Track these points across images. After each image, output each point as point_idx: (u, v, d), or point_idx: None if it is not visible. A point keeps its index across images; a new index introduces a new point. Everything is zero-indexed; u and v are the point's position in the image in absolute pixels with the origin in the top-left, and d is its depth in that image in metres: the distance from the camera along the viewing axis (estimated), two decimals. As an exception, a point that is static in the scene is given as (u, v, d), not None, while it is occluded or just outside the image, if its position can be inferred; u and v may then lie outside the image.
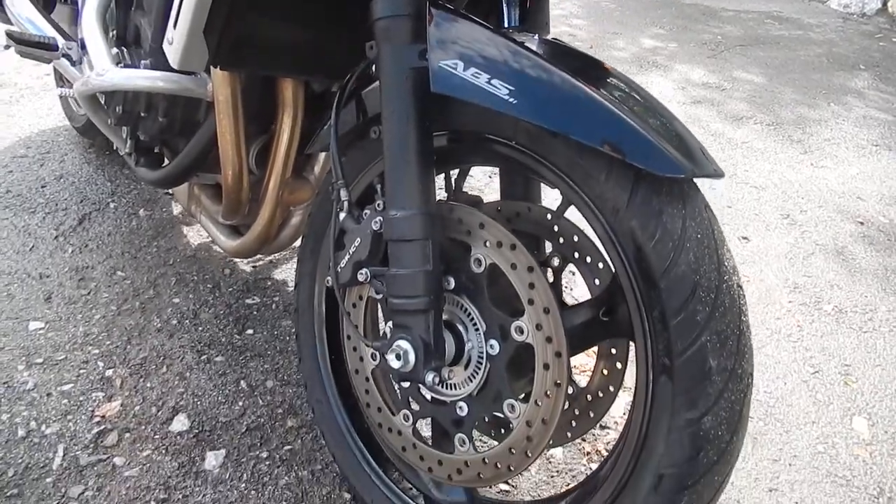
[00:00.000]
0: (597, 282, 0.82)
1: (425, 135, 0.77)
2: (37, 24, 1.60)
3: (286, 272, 1.59)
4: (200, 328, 1.38)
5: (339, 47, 0.98)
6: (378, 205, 0.83)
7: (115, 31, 1.19)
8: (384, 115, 0.78)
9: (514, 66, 0.70)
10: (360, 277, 0.85)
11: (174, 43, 0.90)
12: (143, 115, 1.15)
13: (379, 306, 1.00)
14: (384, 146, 0.78)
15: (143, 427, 1.14)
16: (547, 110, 0.68)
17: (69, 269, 1.52)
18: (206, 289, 1.50)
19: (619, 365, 0.86)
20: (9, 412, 1.13)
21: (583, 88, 0.68)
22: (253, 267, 1.60)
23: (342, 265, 0.86)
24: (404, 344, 0.78)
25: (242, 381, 1.25)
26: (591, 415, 0.89)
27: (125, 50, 1.14)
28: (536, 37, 0.83)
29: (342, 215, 0.86)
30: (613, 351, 0.86)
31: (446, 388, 0.84)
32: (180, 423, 1.15)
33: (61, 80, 2.11)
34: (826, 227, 1.98)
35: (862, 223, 2.01)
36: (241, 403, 1.21)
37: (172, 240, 1.68)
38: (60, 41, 1.51)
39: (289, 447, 1.13)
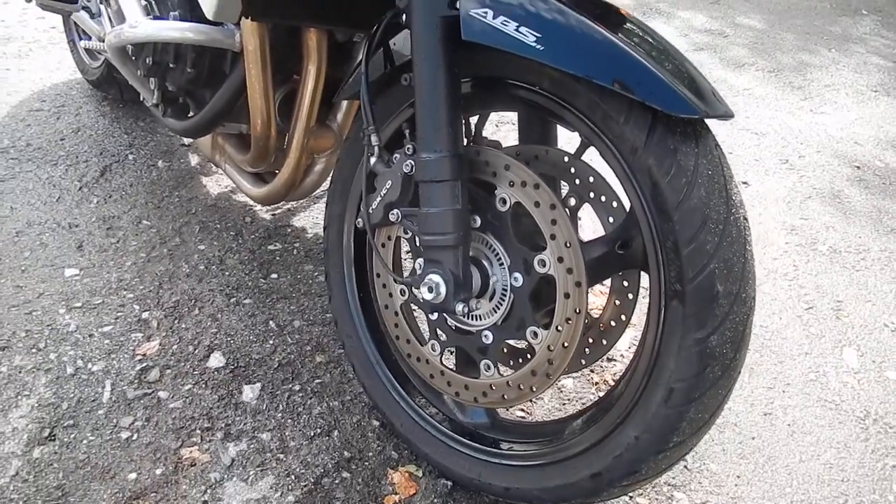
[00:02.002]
0: (611, 219, 0.88)
1: (455, 81, 0.83)
2: (53, -24, 1.61)
3: (304, 219, 1.65)
4: (227, 273, 1.45)
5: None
6: (408, 149, 0.89)
7: None
8: (415, 63, 0.83)
9: (542, 14, 0.75)
10: (392, 217, 0.91)
11: (209, -2, 0.94)
12: (171, 66, 1.19)
13: (407, 245, 1.06)
14: (416, 93, 0.83)
15: (182, 364, 1.21)
16: (573, 57, 0.73)
17: (97, 219, 1.58)
18: (229, 236, 1.56)
19: (630, 296, 0.93)
20: (56, 352, 1.21)
21: (607, 36, 0.73)
22: (272, 214, 1.66)
23: (374, 207, 0.93)
24: (436, 277, 0.85)
25: (271, 322, 1.33)
26: (604, 343, 0.97)
27: (153, 2, 1.17)
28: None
29: (373, 160, 0.92)
30: (625, 283, 0.93)
31: (473, 318, 0.91)
32: (216, 360, 1.23)
33: (74, 32, 2.13)
34: (823, 171, 2.04)
35: (858, 167, 2.07)
36: (271, 342, 1.28)
37: (193, 189, 1.73)
38: (77, -6, 1.54)
39: (319, 381, 1.21)
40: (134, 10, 1.13)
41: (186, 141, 1.95)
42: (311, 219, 1.66)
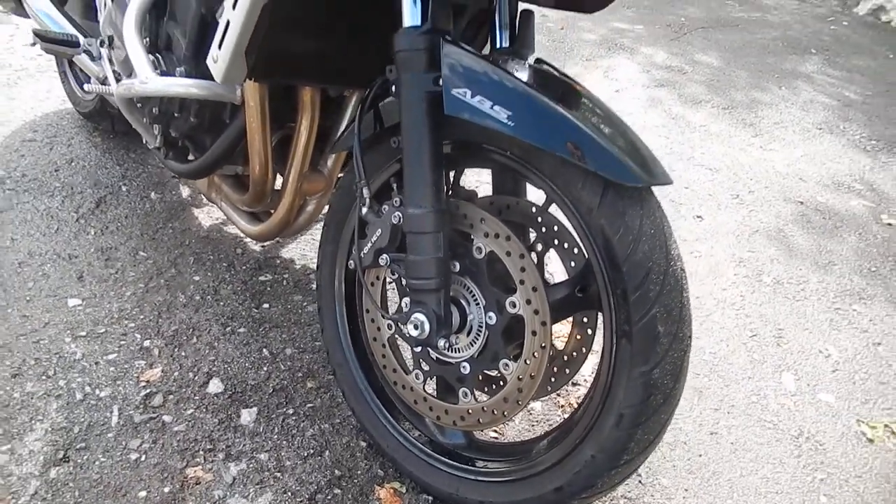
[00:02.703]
0: (572, 264, 1.02)
1: (438, 147, 0.96)
2: (55, 20, 1.72)
3: (292, 251, 1.76)
4: (222, 303, 1.55)
5: (354, 62, 1.15)
6: (395, 201, 1.02)
7: (147, 39, 1.33)
8: (404, 129, 0.96)
9: (512, 96, 0.88)
10: (381, 262, 1.04)
11: (218, 61, 1.06)
12: (175, 115, 1.30)
13: (394, 285, 1.19)
14: (403, 155, 0.96)
15: (184, 390, 1.32)
16: (539, 132, 0.87)
17: (95, 250, 1.67)
18: (222, 267, 1.67)
19: (589, 331, 1.07)
20: (65, 378, 1.31)
21: (567, 115, 0.86)
22: (262, 247, 1.77)
23: (365, 251, 1.05)
24: (420, 316, 0.97)
25: (265, 349, 1.44)
26: (567, 371, 1.10)
27: (160, 57, 1.28)
28: (526, 63, 1.01)
29: (364, 209, 1.05)
30: (585, 320, 1.07)
31: (453, 351, 1.04)
32: (215, 386, 1.34)
33: (69, 72, 2.21)
34: (770, 206, 2.22)
35: (802, 203, 2.25)
36: (265, 368, 1.39)
37: (185, 222, 1.83)
38: (81, 38, 1.65)
39: (311, 405, 1.32)
40: (143, 65, 1.24)
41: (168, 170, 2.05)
42: (299, 251, 1.77)
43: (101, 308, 1.49)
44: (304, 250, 1.77)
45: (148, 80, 1.21)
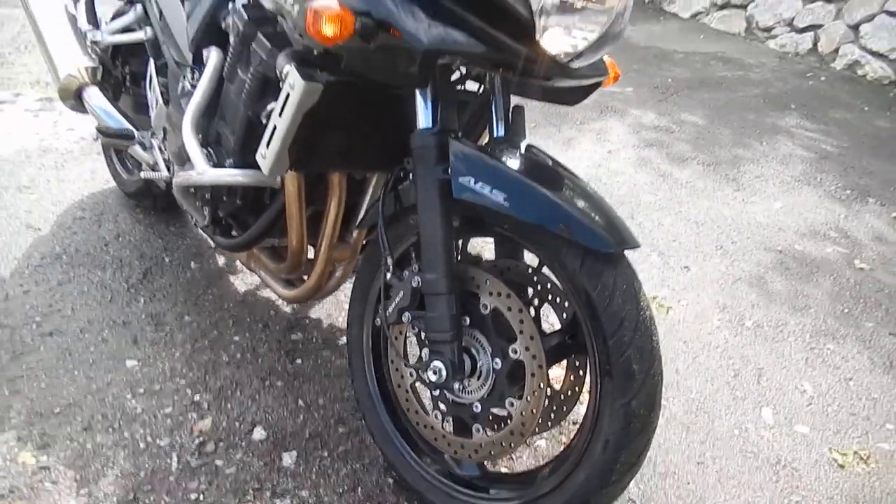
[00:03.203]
0: (564, 315, 1.22)
1: (449, 223, 1.17)
2: (111, 115, 1.96)
3: (319, 312, 1.97)
4: (260, 360, 1.75)
5: (377, 151, 1.38)
6: (414, 268, 1.23)
7: (200, 136, 1.56)
8: (420, 209, 1.17)
9: (506, 181, 1.10)
10: (404, 319, 1.25)
11: (266, 157, 1.28)
12: (224, 198, 1.53)
13: (414, 339, 1.38)
14: (420, 231, 1.18)
15: (232, 437, 1.51)
16: (529, 211, 1.08)
17: (146, 316, 1.89)
18: (258, 328, 1.88)
19: (581, 373, 1.26)
20: (129, 430, 1.50)
21: (552, 196, 1.07)
22: (292, 308, 1.98)
23: (390, 310, 1.26)
24: (438, 363, 1.17)
25: (300, 400, 1.63)
26: (564, 409, 1.29)
27: (211, 150, 1.51)
28: (518, 151, 1.23)
29: (388, 275, 1.26)
30: (577, 363, 1.26)
31: (466, 393, 1.23)
32: (259, 433, 1.53)
33: (109, 149, 2.47)
34: (751, 255, 2.42)
35: (780, 251, 2.46)
36: (301, 417, 1.58)
37: (223, 288, 2.05)
38: (135, 132, 1.90)
39: (343, 447, 1.51)
40: (199, 159, 1.46)
41: (213, 244, 2.28)
42: (325, 312, 1.97)
43: (155, 367, 1.70)
44: (329, 311, 1.98)
45: (204, 172, 1.43)
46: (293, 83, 1.18)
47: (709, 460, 1.55)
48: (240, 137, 1.44)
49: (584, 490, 1.12)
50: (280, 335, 1.86)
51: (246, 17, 1.36)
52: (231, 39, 1.48)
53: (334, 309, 1.99)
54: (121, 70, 2.08)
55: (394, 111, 1.28)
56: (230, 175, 1.44)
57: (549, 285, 1.22)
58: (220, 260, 2.19)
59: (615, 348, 1.06)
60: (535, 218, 1.08)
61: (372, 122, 1.32)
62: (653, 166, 3.07)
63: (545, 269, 1.23)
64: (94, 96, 1.97)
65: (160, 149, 1.87)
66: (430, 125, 1.17)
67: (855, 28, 4.50)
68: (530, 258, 1.27)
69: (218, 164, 1.49)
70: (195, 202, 1.60)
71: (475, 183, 1.11)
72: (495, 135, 1.29)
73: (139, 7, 1.93)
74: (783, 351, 1.94)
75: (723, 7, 5.52)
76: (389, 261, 1.26)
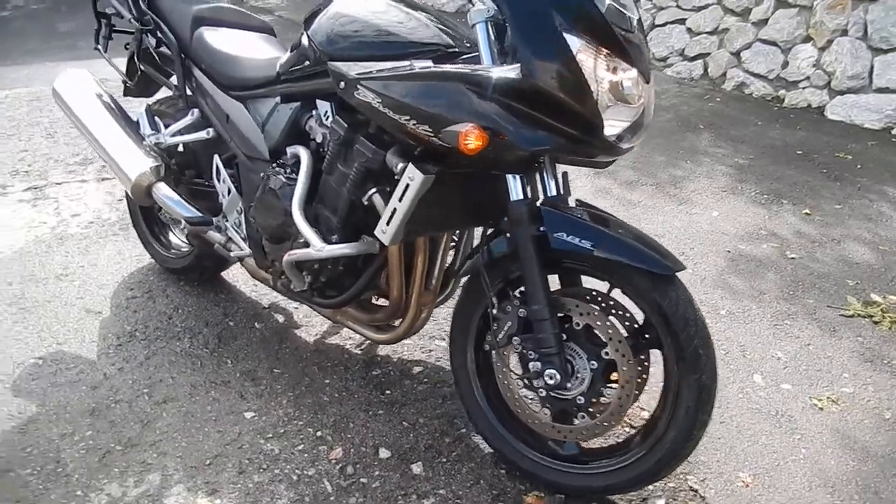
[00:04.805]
0: (626, 323, 1.64)
1: (543, 266, 1.58)
2: (182, 205, 2.24)
3: (384, 350, 2.30)
4: (356, 396, 2.08)
5: (468, 215, 1.78)
6: (516, 301, 1.63)
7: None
8: (522, 259, 1.57)
9: (589, 232, 1.52)
10: (514, 342, 1.64)
11: (387, 233, 1.64)
12: (329, 266, 1.86)
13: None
14: (523, 274, 1.58)
15: (364, 459, 1.83)
16: (609, 251, 1.50)
17: (240, 375, 2.16)
18: (340, 370, 2.19)
19: (646, 364, 1.69)
20: (278, 468, 1.79)
21: (621, 238, 1.51)
22: (360, 349, 2.31)
23: (500, 337, 1.65)
24: (552, 371, 1.57)
25: (404, 422, 1.97)
26: (637, 393, 1.72)
27: (322, 228, 1.83)
28: (576, 204, 1.66)
29: (494, 311, 1.65)
30: (642, 357, 1.69)
31: (572, 390, 1.63)
32: (384, 453, 1.86)
33: (145, 234, 2.70)
34: (708, 258, 2.97)
35: (729, 252, 3.02)
36: (411, 435, 1.92)
37: (293, 341, 2.35)
38: (212, 218, 2.19)
39: (455, 452, 1.86)
40: (314, 238, 1.78)
41: (265, 302, 2.56)
42: (389, 349, 2.31)
43: (271, 415, 1.98)
44: (393, 349, 2.31)
45: (322, 248, 1.76)
46: (412, 176, 1.56)
47: (728, 419, 2.03)
48: (342, 217, 1.78)
49: (673, 446, 1.55)
50: (362, 373, 2.19)
51: (345, 124, 1.72)
52: (319, 139, 1.84)
53: (397, 346, 2.33)
54: (180, 165, 2.35)
55: (480, 184, 1.68)
56: (342, 248, 1.77)
57: (612, 302, 1.65)
58: (281, 318, 2.48)
59: (686, 341, 1.50)
60: (616, 256, 1.51)
61: (465, 194, 1.72)
62: (609, 192, 3.60)
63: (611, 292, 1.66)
64: (164, 191, 2.24)
65: (234, 230, 2.17)
66: (522, 197, 1.58)
67: (737, 55, 5.30)
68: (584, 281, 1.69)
69: (325, 241, 1.81)
70: (300, 272, 1.92)
71: (567, 236, 1.53)
72: (549, 194, 1.70)
73: (196, 112, 2.23)
74: (755, 330, 2.47)
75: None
76: (495, 300, 1.65)
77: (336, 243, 1.78)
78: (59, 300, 2.54)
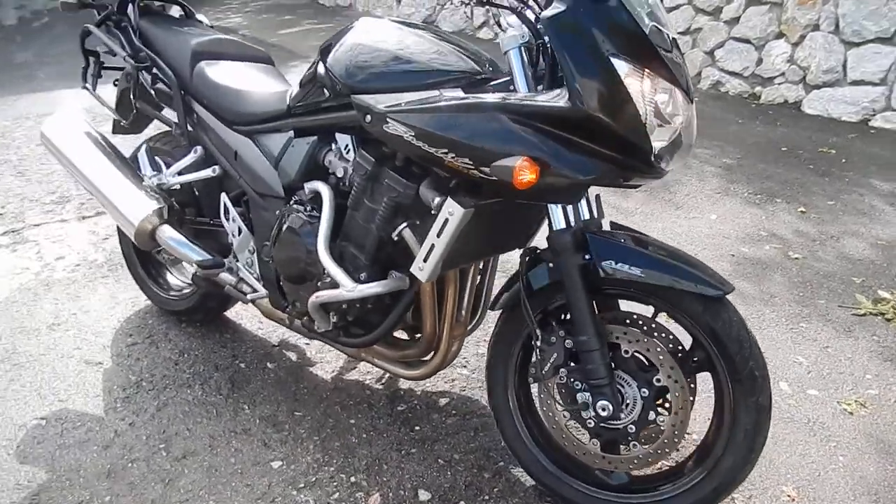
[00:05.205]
0: (669, 346, 1.60)
1: (588, 295, 1.53)
2: (189, 246, 2.14)
3: (405, 383, 2.23)
4: (385, 434, 2.00)
5: (503, 241, 1.73)
6: (561, 332, 1.58)
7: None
8: (567, 289, 1.52)
9: (640, 258, 1.48)
10: (560, 373, 1.59)
11: (424, 269, 1.58)
12: (357, 305, 1.78)
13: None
14: (569, 304, 1.53)
15: (406, 503, 1.76)
16: (660, 277, 1.47)
17: (260, 420, 2.07)
18: (364, 408, 2.12)
19: (692, 386, 1.66)
20: (315, 520, 1.71)
21: (671, 262, 1.48)
22: (382, 385, 2.23)
23: (545, 369, 1.60)
24: (604, 402, 1.52)
25: (439, 459, 1.90)
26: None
27: (350, 267, 1.76)
28: (618, 230, 1.62)
29: (538, 342, 1.60)
30: (688, 380, 1.66)
31: (623, 419, 1.59)
32: (424, 495, 1.79)
33: (142, 279, 2.58)
34: (714, 263, 2.96)
35: (733, 255, 3.03)
36: (448, 473, 1.86)
37: (310, 380, 2.26)
38: (223, 260, 2.10)
39: (496, 488, 1.80)
40: (344, 279, 1.70)
41: (274, 340, 2.47)
42: (409, 384, 2.24)
43: (300, 463, 1.90)
44: (410, 383, 2.24)
45: (354, 288, 1.69)
46: (452, 211, 1.50)
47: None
48: (370, 254, 1.71)
49: (732, 471, 1.51)
50: (387, 410, 2.11)
51: (372, 158, 1.66)
52: (340, 174, 1.76)
53: (427, 380, 2.24)
54: (182, 204, 2.24)
55: (509, 210, 1.63)
56: (374, 287, 1.70)
57: (653, 325, 1.61)
58: (293, 356, 2.39)
59: (741, 363, 1.47)
60: (668, 282, 1.47)
61: (495, 222, 1.66)
62: (606, 201, 3.57)
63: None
64: (170, 234, 2.14)
65: (247, 270, 2.08)
66: (564, 226, 1.53)
67: (710, 53, 5.37)
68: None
69: (354, 279, 1.74)
70: (325, 313, 1.84)
71: (616, 263, 1.49)
72: (582, 217, 1.65)
73: (199, 149, 2.14)
74: (772, 335, 2.47)
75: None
76: (538, 331, 1.60)
77: (365, 282, 1.71)
78: (55, 352, 2.41)
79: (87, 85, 2.36)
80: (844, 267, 2.93)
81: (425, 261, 1.58)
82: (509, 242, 1.80)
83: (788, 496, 1.80)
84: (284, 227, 1.85)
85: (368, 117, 1.57)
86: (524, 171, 1.33)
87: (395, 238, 1.67)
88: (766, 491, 1.81)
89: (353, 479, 1.84)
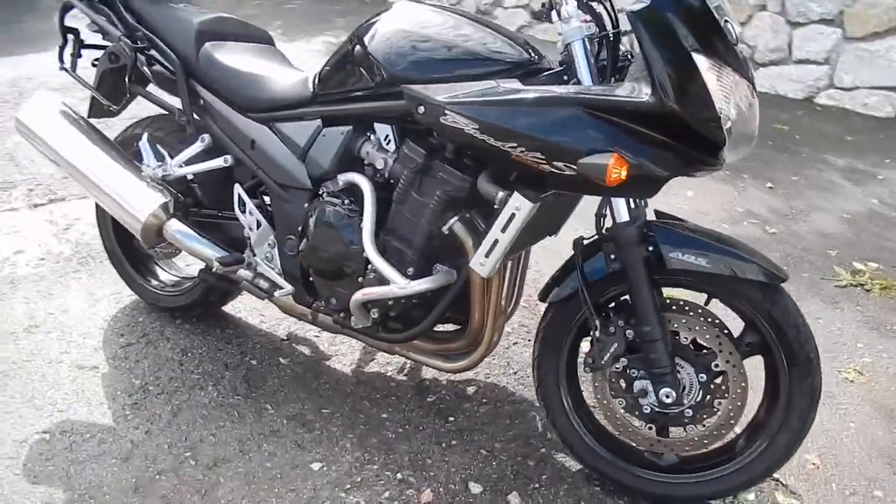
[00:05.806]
0: (724, 332, 1.65)
1: (651, 286, 1.55)
2: (202, 242, 2.00)
3: (430, 373, 2.20)
4: (420, 427, 1.97)
5: (544, 231, 1.73)
6: (621, 323, 1.59)
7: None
8: (631, 280, 1.53)
9: (704, 249, 1.51)
10: (620, 362, 1.61)
11: (485, 265, 1.56)
12: (402, 301, 1.73)
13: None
14: (632, 295, 1.55)
15: (459, 497, 1.74)
16: (724, 267, 1.50)
17: (287, 420, 1.99)
18: (392, 401, 2.07)
19: (742, 371, 1.71)
20: (372, 521, 1.67)
21: (734, 251, 1.51)
22: (405, 375, 2.19)
23: (605, 359, 1.61)
24: (668, 389, 1.56)
25: (481, 450, 1.90)
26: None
27: (397, 263, 1.69)
28: (666, 219, 1.65)
29: (597, 333, 1.61)
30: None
31: (682, 403, 1.62)
32: (475, 487, 1.78)
33: (133, 279, 2.41)
34: (698, 239, 3.07)
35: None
36: (494, 463, 1.86)
37: (329, 374, 2.19)
38: (243, 255, 1.98)
39: (545, 475, 1.82)
40: (395, 276, 1.64)
41: (281, 334, 2.37)
42: (433, 373, 2.21)
43: (341, 463, 1.84)
44: (435, 373, 2.21)
45: (406, 285, 1.64)
46: (519, 205, 1.48)
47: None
48: (418, 249, 1.67)
49: (786, 448, 1.59)
50: (417, 402, 2.08)
51: (423, 151, 1.60)
52: (380, 165, 1.69)
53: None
54: (187, 196, 2.09)
55: (556, 199, 1.61)
56: (423, 283, 1.65)
57: (702, 311, 1.65)
58: (306, 350, 2.31)
59: (798, 346, 1.53)
60: (731, 271, 1.51)
61: (545, 212, 1.64)
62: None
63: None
64: (179, 228, 1.99)
65: (266, 265, 1.97)
66: (628, 218, 1.54)
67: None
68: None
69: (402, 275, 1.68)
70: (367, 309, 1.77)
71: (682, 255, 1.51)
72: (630, 207, 1.66)
73: (206, 137, 1.99)
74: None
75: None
76: (597, 322, 1.61)
77: (414, 277, 1.66)
78: (40, 357, 2.23)
79: (65, 66, 2.14)
80: (818, 241, 3.10)
81: (487, 256, 1.55)
82: (546, 231, 1.82)
83: (813, 464, 1.91)
84: (320, 220, 1.76)
85: (422, 108, 1.50)
86: (618, 168, 1.32)
87: (446, 232, 1.63)
88: (792, 460, 1.90)
89: (399, 475, 1.81)
